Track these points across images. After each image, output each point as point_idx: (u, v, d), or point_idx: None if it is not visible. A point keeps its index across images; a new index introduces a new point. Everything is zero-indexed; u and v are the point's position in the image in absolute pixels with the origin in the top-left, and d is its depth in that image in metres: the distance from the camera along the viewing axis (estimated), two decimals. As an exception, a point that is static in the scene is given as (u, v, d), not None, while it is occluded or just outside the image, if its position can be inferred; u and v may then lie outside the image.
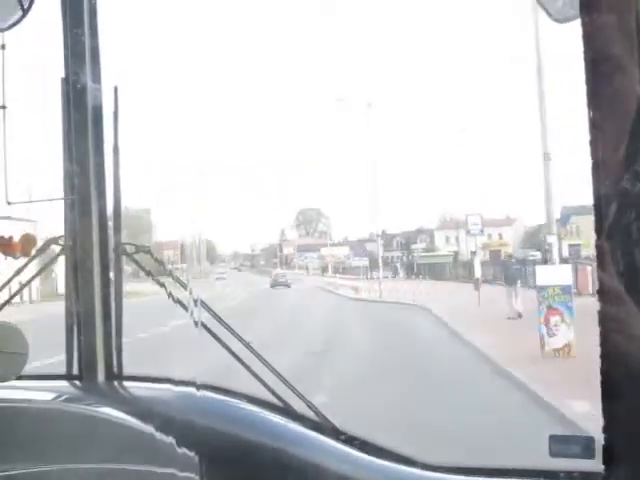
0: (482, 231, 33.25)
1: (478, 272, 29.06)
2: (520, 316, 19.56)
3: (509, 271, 23.38)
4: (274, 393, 1.72)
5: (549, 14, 1.27)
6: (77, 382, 1.74)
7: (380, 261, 42.39)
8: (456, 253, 62.00)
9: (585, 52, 0.94)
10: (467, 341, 16.20)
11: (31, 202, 1.84)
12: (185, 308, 1.76)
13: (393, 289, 34.61)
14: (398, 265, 59.39)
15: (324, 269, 54.80)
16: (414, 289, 31.94)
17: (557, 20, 1.26)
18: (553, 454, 1.54)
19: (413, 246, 74.53)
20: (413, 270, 54.88)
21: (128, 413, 1.56)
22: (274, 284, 49.76)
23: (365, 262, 58.65)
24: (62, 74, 1.74)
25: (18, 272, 1.83)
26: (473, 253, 34.51)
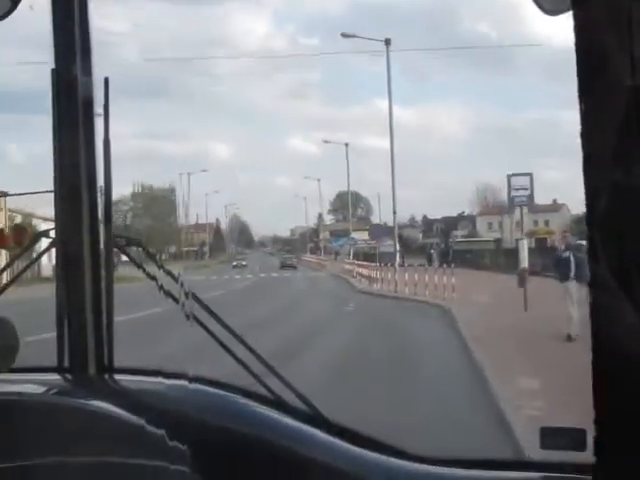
0: (532, 198, 23.68)
1: (525, 261, 20.25)
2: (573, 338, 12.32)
3: (577, 263, 13.38)
4: (266, 386, 1.73)
5: (540, 6, 1.26)
6: (68, 375, 1.74)
7: (397, 246, 36.90)
8: (498, 240, 60.04)
9: (576, 45, 0.94)
10: (491, 396, 8.63)
11: (21, 194, 1.86)
12: (176, 301, 1.76)
13: (418, 280, 27.12)
14: (433, 252, 53.61)
15: (353, 255, 50.18)
16: (443, 281, 24.92)
17: (548, 12, 1.25)
18: (544, 446, 1.55)
19: (454, 232, 72.88)
20: (448, 258, 51.95)
21: (119, 406, 1.56)
22: (282, 265, 60.14)
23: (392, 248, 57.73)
24: (52, 65, 1.73)
25: (9, 264, 1.85)
26: (519, 239, 23.04)
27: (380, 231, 43.57)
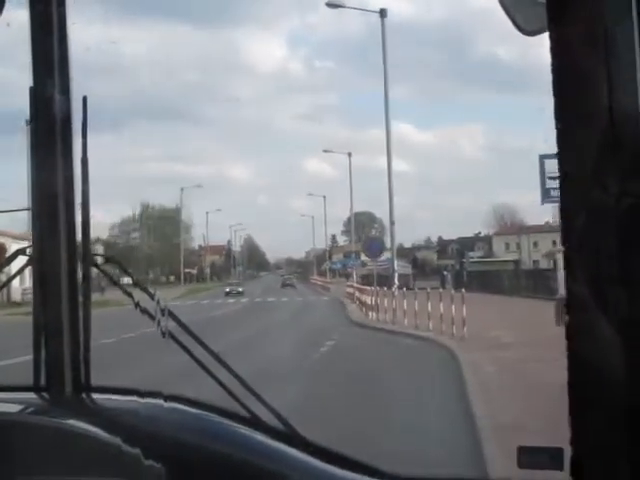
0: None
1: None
2: None
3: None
4: (242, 404, 1.72)
5: (518, 27, 1.28)
6: (44, 394, 1.73)
7: (395, 266, 29.30)
8: (517, 261, 58.61)
9: (553, 64, 0.95)
10: None
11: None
12: (152, 318, 1.76)
13: (420, 309, 21.57)
14: (447, 274, 52.06)
15: (364, 277, 44.02)
16: (451, 311, 19.50)
17: (526, 33, 1.27)
18: (522, 465, 1.54)
19: (470, 253, 71.77)
20: (463, 280, 45.91)
21: (95, 425, 1.56)
22: (283, 284, 68.64)
23: (407, 269, 52.96)
24: (30, 83, 1.72)
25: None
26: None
27: (377, 246, 33.47)
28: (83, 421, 1.58)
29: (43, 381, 1.73)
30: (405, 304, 24.05)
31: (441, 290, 23.81)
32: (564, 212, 0.96)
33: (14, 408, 1.64)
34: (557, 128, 0.95)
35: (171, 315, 1.78)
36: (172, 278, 70.70)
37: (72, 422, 1.59)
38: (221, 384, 1.75)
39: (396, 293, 26.07)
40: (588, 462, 0.97)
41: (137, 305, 1.78)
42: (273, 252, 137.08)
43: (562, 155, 0.96)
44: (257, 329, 24.10)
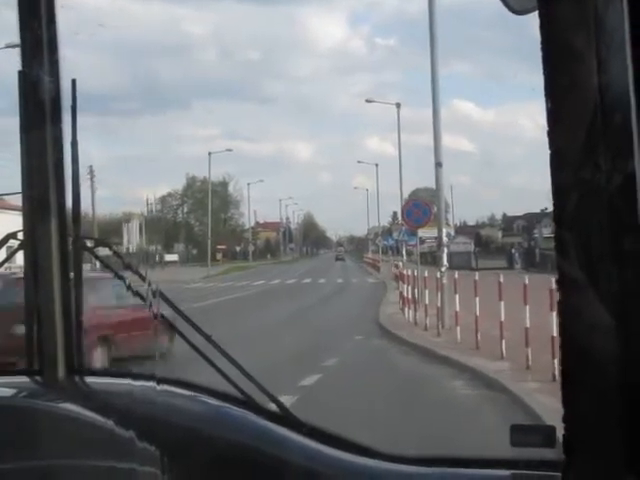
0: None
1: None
2: None
3: None
4: (236, 386, 1.71)
5: (508, 6, 1.27)
6: (37, 377, 1.74)
7: (443, 237, 19.42)
8: None
9: (543, 43, 0.95)
10: None
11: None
12: (143, 300, 1.76)
13: (485, 304, 13.71)
14: (515, 252, 48.86)
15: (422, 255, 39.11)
16: (553, 316, 9.48)
17: (516, 12, 1.26)
18: (514, 443, 1.53)
19: (542, 230, 69.40)
20: (535, 259, 42.98)
21: (88, 408, 1.56)
22: (336, 258, 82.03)
23: (468, 247, 49.80)
24: (19, 67, 1.72)
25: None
26: None
27: (421, 209, 23.34)
28: (76, 404, 1.59)
29: (36, 364, 1.74)
30: (458, 300, 15.32)
31: (526, 281, 12.36)
32: (555, 190, 0.96)
33: (7, 392, 1.66)
34: (547, 106, 0.95)
35: (163, 298, 1.77)
36: (219, 256, 69.23)
37: (65, 405, 1.60)
38: (215, 367, 1.75)
39: (445, 280, 17.34)
40: (580, 441, 0.98)
41: (129, 287, 1.78)
42: (336, 230, 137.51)
43: (552, 133, 0.95)
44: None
